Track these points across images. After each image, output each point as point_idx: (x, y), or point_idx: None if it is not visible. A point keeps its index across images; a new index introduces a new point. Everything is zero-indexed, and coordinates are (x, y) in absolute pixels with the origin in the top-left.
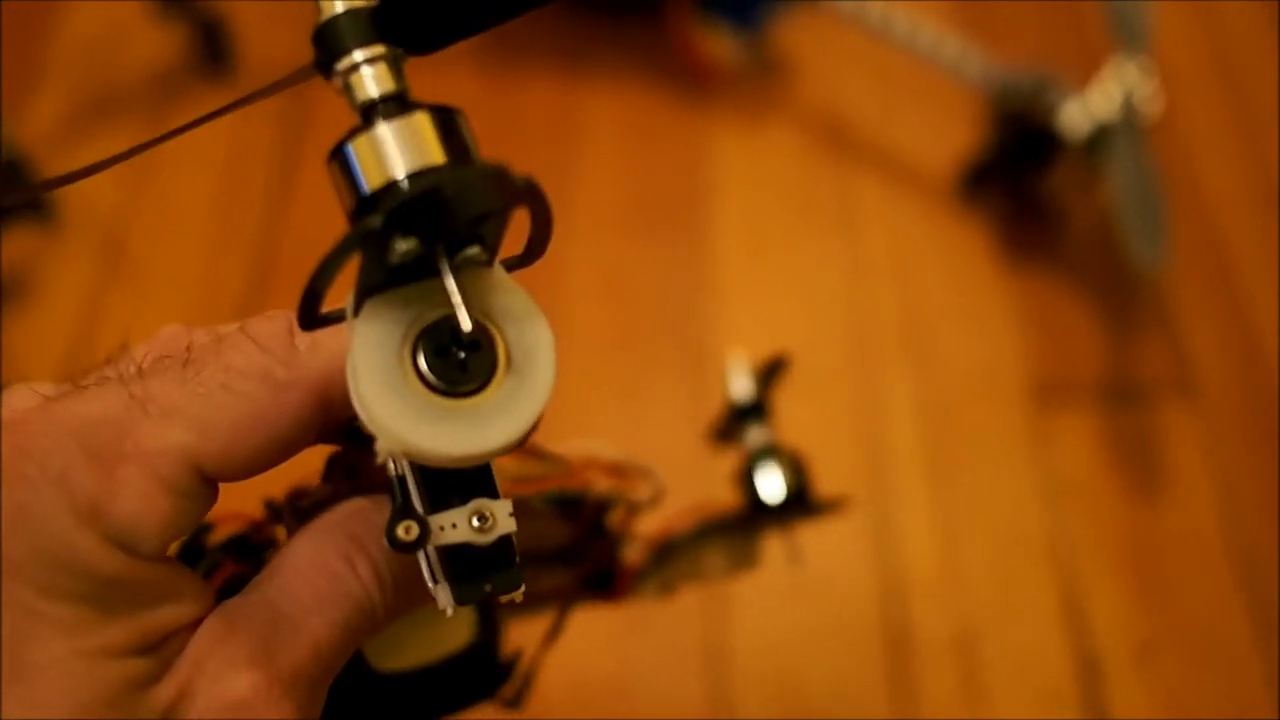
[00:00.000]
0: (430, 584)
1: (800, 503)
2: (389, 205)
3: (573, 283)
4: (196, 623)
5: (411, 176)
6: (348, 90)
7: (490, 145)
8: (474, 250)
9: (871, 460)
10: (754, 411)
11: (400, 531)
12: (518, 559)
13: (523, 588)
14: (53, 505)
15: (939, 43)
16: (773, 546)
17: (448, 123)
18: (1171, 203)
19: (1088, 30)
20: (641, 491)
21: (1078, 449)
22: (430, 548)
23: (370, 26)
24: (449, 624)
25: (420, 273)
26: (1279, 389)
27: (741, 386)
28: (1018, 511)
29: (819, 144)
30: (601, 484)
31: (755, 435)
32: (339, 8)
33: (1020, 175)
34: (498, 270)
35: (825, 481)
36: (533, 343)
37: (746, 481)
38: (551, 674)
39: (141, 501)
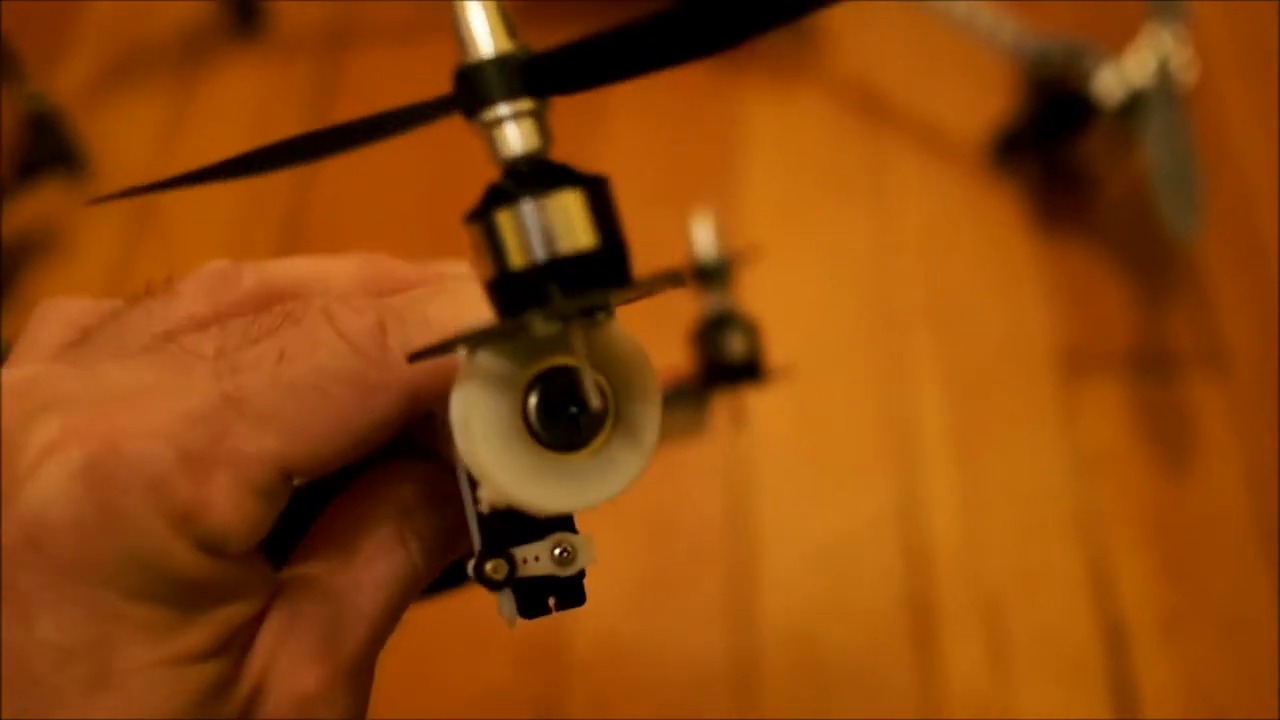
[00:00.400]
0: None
1: (752, 370)
2: (552, 315)
3: None
4: (262, 612)
5: (565, 269)
6: (489, 141)
7: None
8: (601, 316)
9: (899, 430)
10: (716, 274)
11: (489, 569)
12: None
13: (584, 602)
14: (146, 510)
15: (973, 10)
16: (786, 514)
17: (594, 198)
18: (1206, 172)
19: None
20: None
21: (1106, 421)
22: None
23: (520, 79)
24: None
25: None
26: None
27: (706, 245)
28: (1045, 483)
29: (851, 112)
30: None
31: (714, 299)
32: (488, 52)
33: (1053, 143)
34: (613, 323)
35: (852, 453)
36: (640, 398)
37: (705, 343)
38: (580, 633)
39: (232, 505)
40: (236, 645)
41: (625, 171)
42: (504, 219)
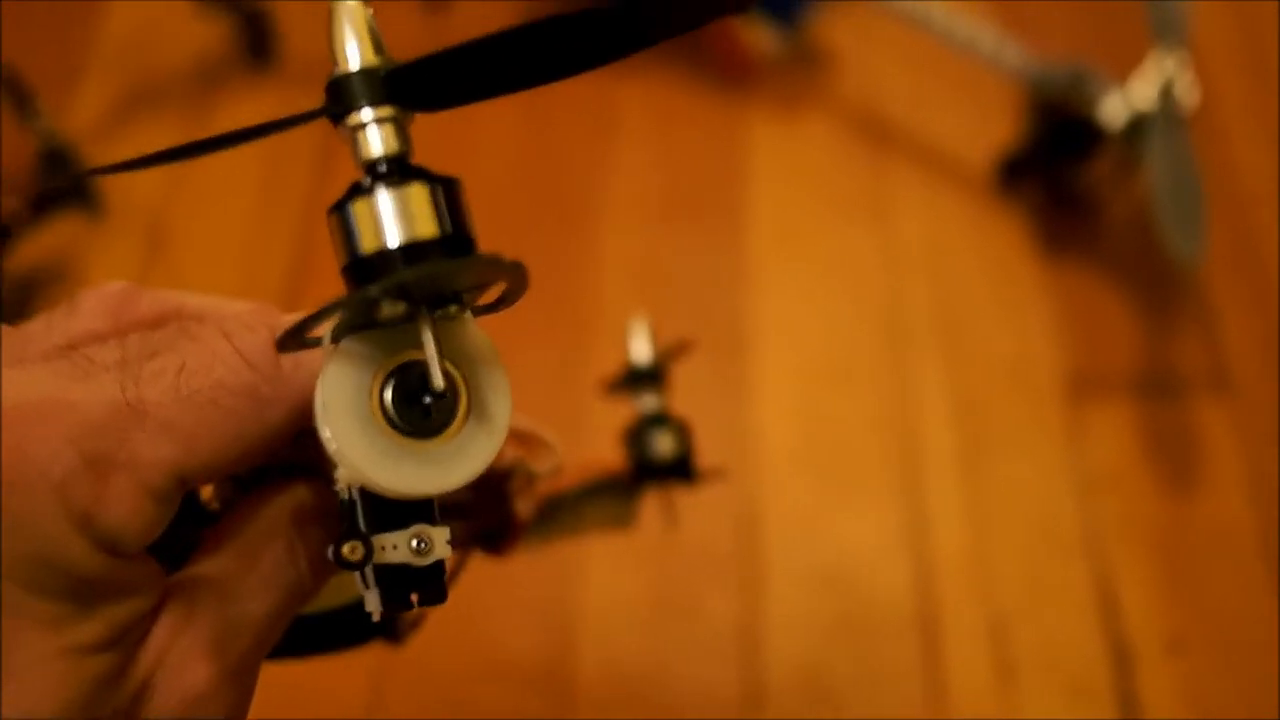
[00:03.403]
0: (361, 587)
1: (682, 469)
2: (389, 285)
3: (607, 272)
4: (154, 610)
5: (411, 254)
6: (353, 145)
7: (527, 136)
8: (453, 309)
9: (904, 451)
10: (650, 377)
11: (346, 551)
12: (445, 576)
13: (446, 600)
14: (50, 511)
15: (977, 34)
16: (792, 535)
17: (445, 194)
18: (1209, 195)
19: (1123, 23)
20: (541, 463)
21: (1111, 442)
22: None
23: (381, 88)
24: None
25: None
26: None
27: (641, 350)
28: (1050, 504)
29: (855, 135)
30: (507, 453)
31: (648, 400)
32: (353, 66)
33: (1057, 167)
34: (467, 318)
35: (857, 474)
36: (492, 391)
37: (634, 443)
38: (587, 658)
39: (130, 508)
40: (129, 640)
41: (631, 195)
42: (359, 208)
